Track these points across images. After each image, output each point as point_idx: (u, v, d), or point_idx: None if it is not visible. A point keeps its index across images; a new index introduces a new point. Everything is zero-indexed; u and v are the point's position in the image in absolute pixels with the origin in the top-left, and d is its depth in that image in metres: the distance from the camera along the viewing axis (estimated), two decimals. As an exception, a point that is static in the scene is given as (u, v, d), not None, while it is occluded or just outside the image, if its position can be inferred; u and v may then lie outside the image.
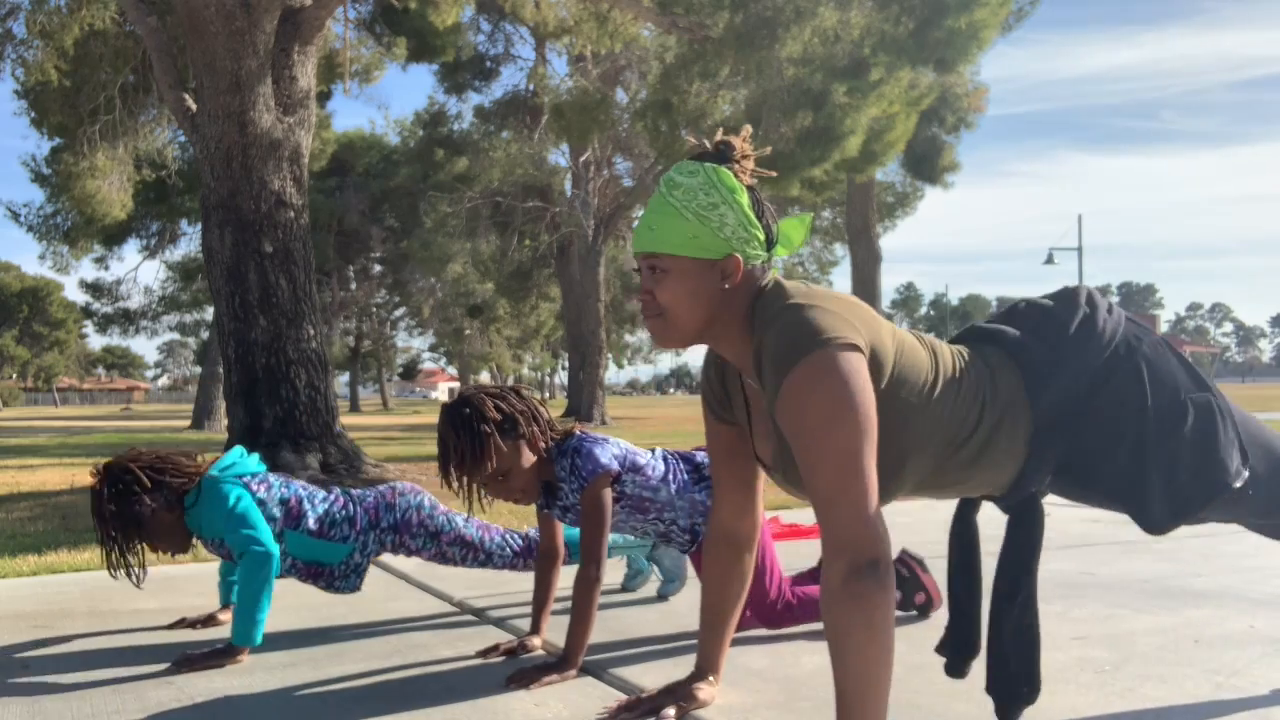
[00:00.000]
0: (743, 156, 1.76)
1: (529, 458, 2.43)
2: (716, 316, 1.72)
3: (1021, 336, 1.80)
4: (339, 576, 2.83)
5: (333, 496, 2.86)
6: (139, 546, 2.67)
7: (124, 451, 2.72)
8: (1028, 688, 1.77)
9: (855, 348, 1.59)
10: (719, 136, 1.79)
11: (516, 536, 3.01)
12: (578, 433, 2.51)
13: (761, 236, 1.73)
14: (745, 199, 1.72)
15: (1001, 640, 1.78)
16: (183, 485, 2.67)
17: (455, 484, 2.38)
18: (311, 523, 2.76)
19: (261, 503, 2.70)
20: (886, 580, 1.50)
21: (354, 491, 2.93)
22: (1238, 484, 1.74)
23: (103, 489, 2.61)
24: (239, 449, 2.85)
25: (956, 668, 1.91)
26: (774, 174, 1.90)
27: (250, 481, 2.73)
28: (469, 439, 2.34)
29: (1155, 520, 1.74)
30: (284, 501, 2.75)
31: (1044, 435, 1.73)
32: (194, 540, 2.76)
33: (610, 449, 2.47)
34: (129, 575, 2.67)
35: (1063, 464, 1.75)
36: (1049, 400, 1.73)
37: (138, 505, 2.61)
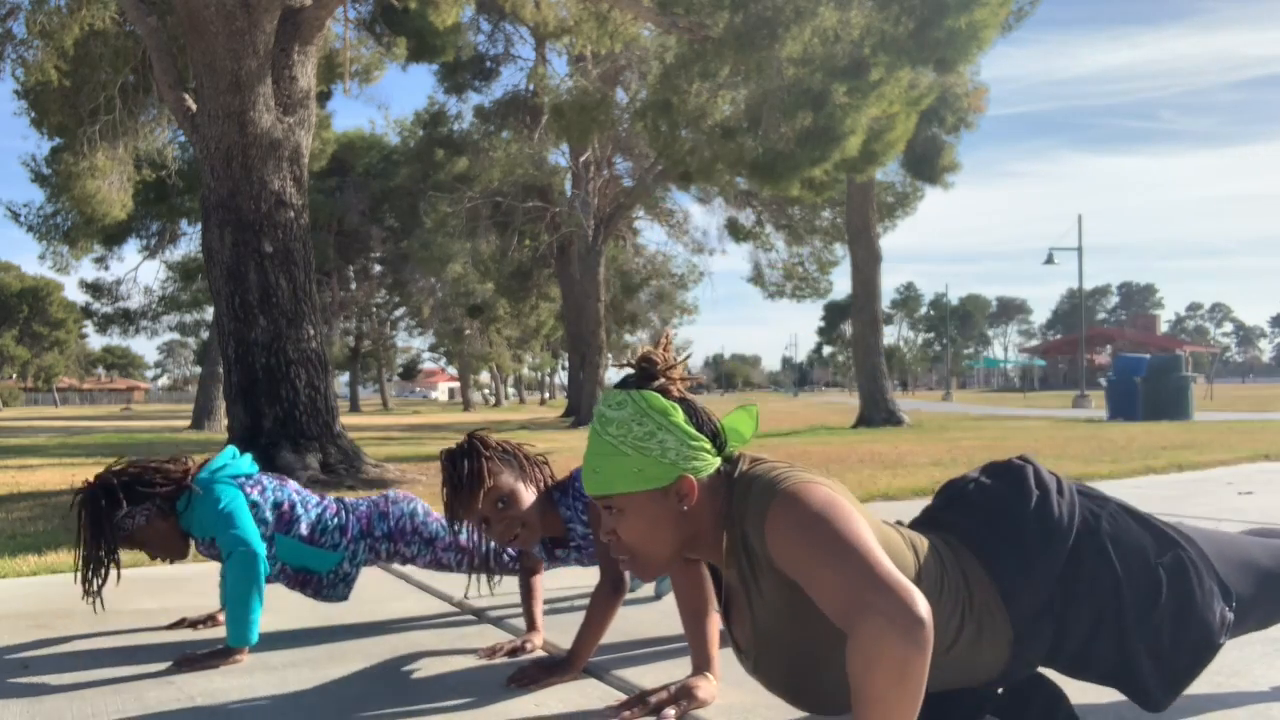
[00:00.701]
0: (667, 369, 1.74)
1: (529, 492, 2.42)
2: (687, 535, 1.70)
3: (982, 534, 1.77)
4: (327, 585, 2.81)
5: (326, 503, 2.84)
6: (117, 563, 2.64)
7: (106, 469, 2.69)
8: None
9: (828, 486, 1.60)
10: (640, 352, 1.76)
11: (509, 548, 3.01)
12: (570, 477, 2.51)
13: (708, 446, 1.70)
14: (680, 416, 1.69)
15: None
16: (171, 493, 2.65)
17: (459, 520, 2.38)
18: (304, 528, 2.75)
19: (255, 505, 2.68)
20: (924, 643, 1.36)
21: (347, 500, 2.92)
22: (1223, 639, 1.75)
23: (92, 508, 2.59)
24: (231, 449, 2.83)
25: None
26: (701, 380, 1.84)
27: (244, 484, 2.71)
28: (470, 464, 2.34)
29: (1154, 701, 1.75)
30: (277, 505, 2.74)
31: (1026, 634, 1.72)
32: (190, 545, 2.76)
33: None
34: (95, 593, 2.61)
35: (1049, 655, 1.75)
36: (1025, 606, 1.71)
37: (127, 521, 2.60)
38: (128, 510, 2.61)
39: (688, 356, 1.81)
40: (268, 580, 2.74)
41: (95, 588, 2.61)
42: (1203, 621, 1.73)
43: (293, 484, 2.86)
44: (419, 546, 2.88)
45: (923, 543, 1.74)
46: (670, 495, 1.67)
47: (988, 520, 1.79)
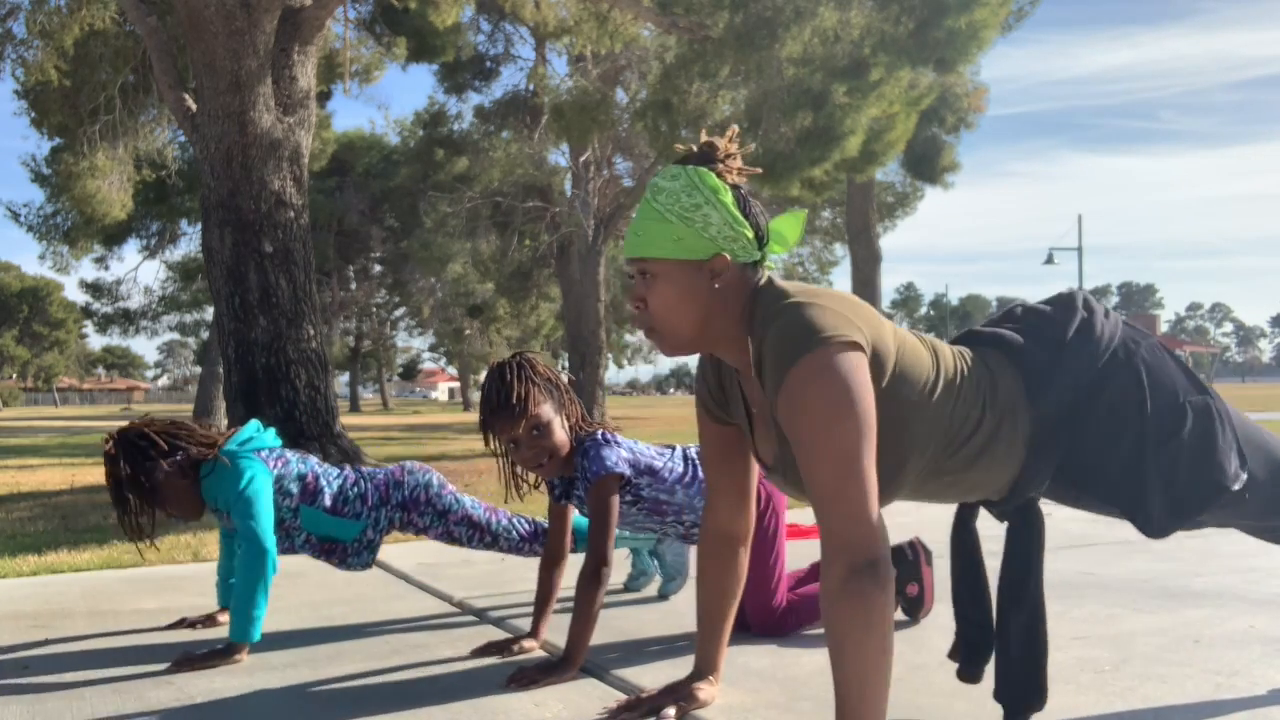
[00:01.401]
0: (726, 156, 1.76)
1: (563, 426, 2.43)
2: (710, 318, 1.71)
3: (1020, 339, 1.80)
4: (352, 553, 2.86)
5: (345, 473, 2.90)
6: (151, 511, 2.68)
7: (139, 417, 2.73)
8: (1036, 695, 1.78)
9: (856, 346, 1.58)
10: (704, 139, 1.79)
11: (523, 520, 3.02)
12: (598, 432, 2.51)
13: (750, 234, 1.72)
14: (729, 198, 1.71)
15: (1009, 648, 1.78)
16: (199, 454, 2.68)
17: (492, 438, 2.40)
18: (327, 500, 2.79)
19: (279, 478, 2.73)
20: (885, 580, 1.50)
21: (364, 469, 2.96)
22: (1236, 486, 1.73)
23: (117, 452, 2.62)
24: (255, 423, 2.86)
25: (970, 673, 1.91)
26: (759, 171, 1.88)
27: (267, 457, 2.74)
28: (517, 385, 2.35)
29: (1154, 523, 1.74)
30: (300, 477, 2.78)
31: (1044, 436, 1.73)
32: (205, 509, 2.78)
33: (620, 452, 2.47)
34: (142, 538, 2.68)
35: (1062, 466, 1.75)
36: (1049, 401, 1.72)
37: (152, 468, 2.62)
38: (154, 460, 2.63)
39: (749, 149, 1.83)
40: (295, 551, 2.80)
41: (146, 532, 2.66)
42: (1219, 464, 1.73)
43: (314, 458, 2.90)
44: (431, 518, 2.92)
45: (945, 347, 1.78)
46: (704, 271, 1.69)
47: (1031, 333, 1.81)
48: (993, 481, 1.76)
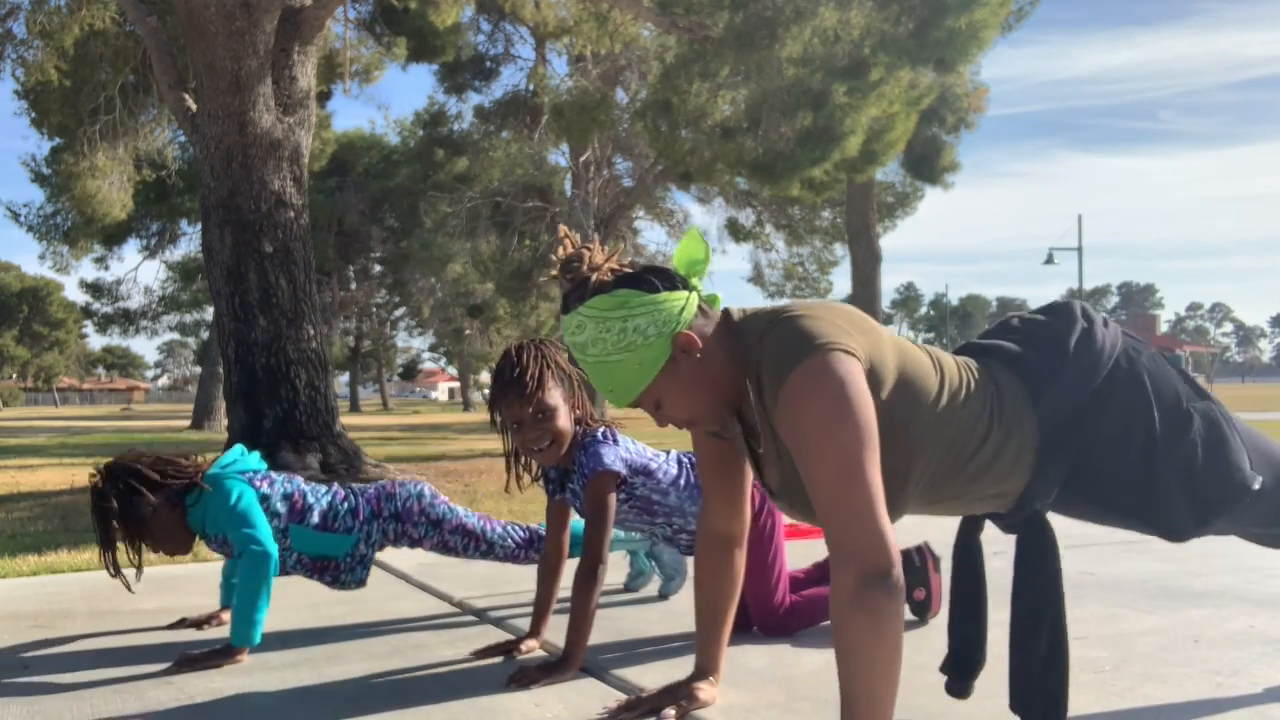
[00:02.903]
0: (592, 264, 1.70)
1: (569, 416, 2.44)
2: (717, 381, 1.70)
3: (1021, 350, 1.79)
4: (345, 569, 2.84)
5: (334, 490, 2.88)
6: (139, 547, 2.67)
7: (124, 452, 2.72)
8: (1059, 710, 1.76)
9: (850, 353, 1.58)
10: (556, 262, 1.73)
11: (518, 528, 3.02)
12: (599, 430, 2.51)
13: (675, 295, 1.68)
14: (631, 298, 1.66)
15: (1029, 663, 1.76)
16: (183, 485, 2.67)
17: (499, 417, 2.40)
18: (316, 517, 2.78)
19: (265, 498, 2.71)
20: (896, 591, 1.47)
21: (354, 485, 2.95)
22: (1255, 485, 1.72)
23: (104, 489, 2.60)
24: (239, 447, 2.86)
25: (959, 688, 1.89)
26: (629, 267, 1.74)
27: (253, 478, 2.74)
28: (531, 367, 2.35)
29: (1180, 528, 1.72)
30: (287, 496, 2.76)
31: (1052, 446, 1.71)
32: (195, 540, 2.77)
33: (618, 451, 2.48)
34: (126, 576, 2.67)
35: (1071, 476, 1.73)
36: (1055, 411, 1.71)
37: (140, 505, 2.61)
38: (140, 496, 2.62)
39: (599, 240, 1.79)
40: (286, 572, 2.77)
41: (116, 570, 2.64)
42: (1235, 464, 1.72)
43: (300, 477, 2.89)
44: (426, 528, 2.91)
45: (949, 358, 1.76)
46: (679, 359, 1.67)
47: (1029, 340, 1.81)
48: (1001, 493, 1.75)
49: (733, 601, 2.06)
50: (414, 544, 2.94)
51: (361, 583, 2.88)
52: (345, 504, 2.84)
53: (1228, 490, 1.71)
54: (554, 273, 1.73)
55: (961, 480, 1.71)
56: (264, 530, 2.61)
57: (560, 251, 1.75)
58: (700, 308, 1.72)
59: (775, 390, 1.58)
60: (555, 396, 2.39)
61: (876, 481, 1.51)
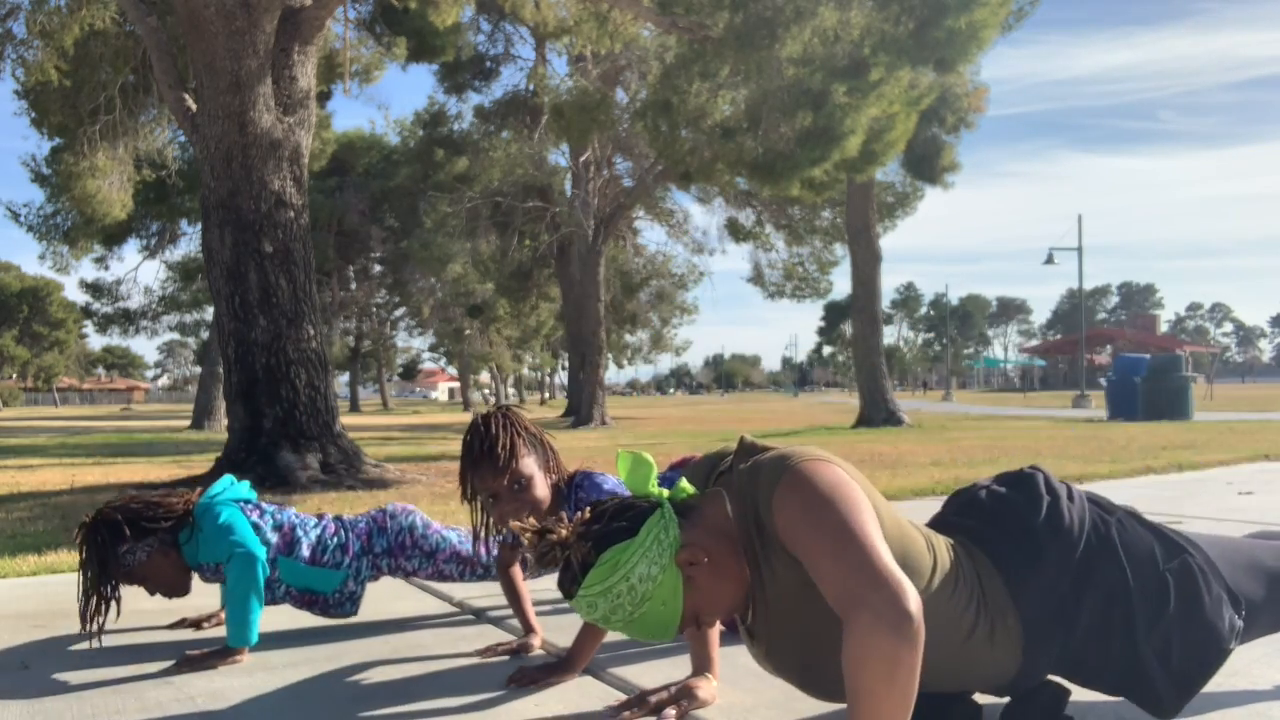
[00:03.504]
0: (563, 541, 1.67)
1: (545, 483, 2.39)
2: (736, 569, 1.68)
3: (994, 541, 1.78)
4: (333, 604, 2.82)
5: (324, 523, 2.84)
6: (118, 600, 2.61)
7: (106, 504, 2.68)
8: None
9: (836, 464, 1.61)
10: (530, 551, 1.70)
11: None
12: (577, 476, 2.49)
13: (650, 522, 1.66)
14: (619, 554, 1.64)
15: None
16: (173, 526, 2.64)
17: (470, 491, 2.34)
18: (305, 550, 2.75)
19: (256, 528, 2.68)
20: (914, 638, 1.40)
21: (345, 517, 2.91)
22: (1233, 645, 1.76)
23: (90, 551, 2.57)
24: (228, 477, 2.82)
25: None
26: (587, 530, 1.71)
27: (244, 508, 2.72)
28: (502, 438, 2.31)
29: (1165, 707, 1.75)
30: (278, 527, 2.74)
31: (1036, 640, 1.72)
32: (192, 578, 2.75)
33: (612, 481, 2.46)
34: (96, 632, 2.58)
35: (1059, 661, 1.76)
36: (1034, 606, 1.72)
37: (130, 559, 2.60)
38: (130, 546, 2.60)
39: (555, 510, 1.80)
40: (275, 602, 2.74)
41: (97, 626, 2.57)
42: (1212, 627, 1.74)
43: (291, 509, 2.86)
44: (419, 560, 2.88)
45: (939, 538, 1.75)
46: (691, 574, 1.66)
47: (999, 525, 1.80)
48: (991, 680, 1.75)
49: None
50: (408, 575, 2.92)
51: (352, 614, 2.85)
52: (335, 539, 2.80)
53: (1207, 660, 1.75)
54: (533, 560, 1.71)
55: (949, 670, 1.69)
56: (250, 536, 2.59)
57: (527, 541, 1.71)
58: (678, 510, 1.71)
59: (770, 504, 1.59)
60: (530, 465, 2.34)
61: (878, 539, 1.50)
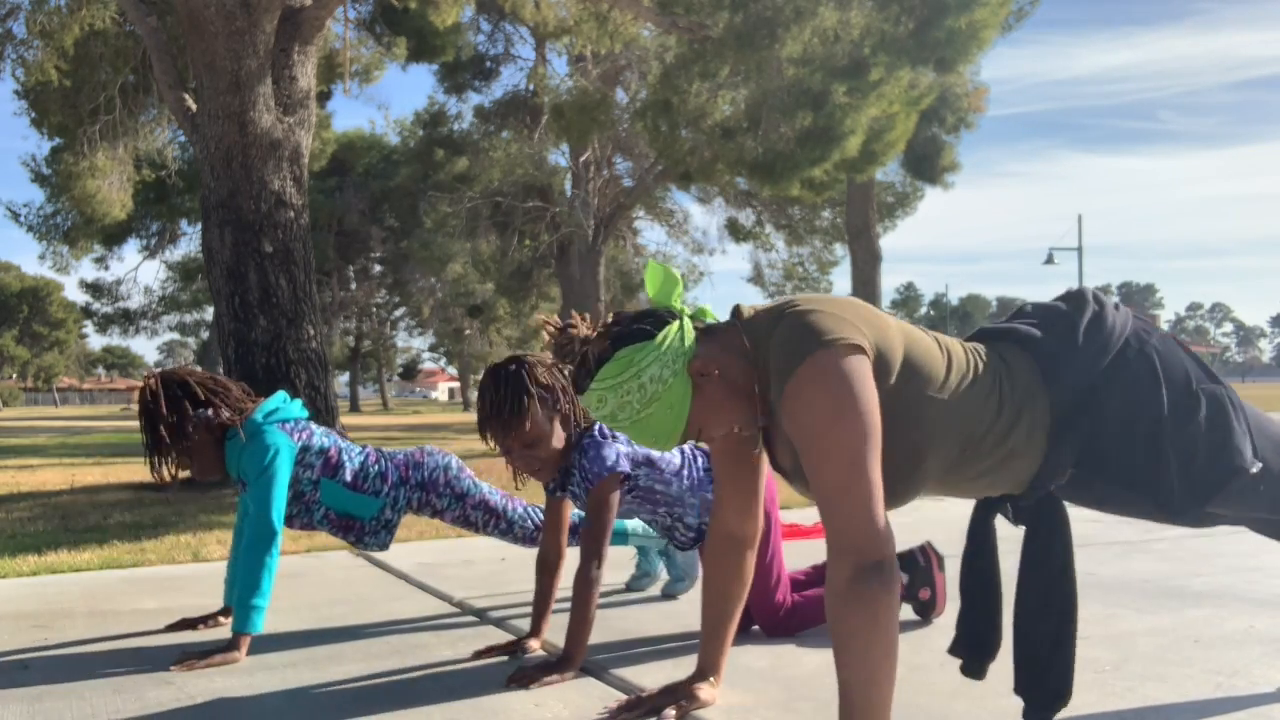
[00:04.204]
0: (582, 340, 1.73)
1: (560, 434, 2.42)
2: (744, 388, 1.71)
3: (1034, 332, 1.81)
4: (369, 531, 2.86)
5: (367, 451, 2.90)
6: (174, 457, 2.67)
7: (179, 366, 2.74)
8: (1064, 693, 1.79)
9: (858, 348, 1.60)
10: (549, 348, 1.76)
11: (539, 511, 3.01)
12: (595, 428, 2.49)
13: (669, 329, 1.70)
14: (633, 354, 1.68)
15: (1036, 648, 1.79)
16: (230, 418, 2.69)
17: (488, 441, 2.38)
18: (348, 475, 2.80)
19: (302, 449, 2.74)
20: (891, 582, 1.51)
21: (385, 450, 2.96)
22: (1254, 470, 1.74)
23: (156, 391, 2.63)
24: (282, 394, 2.87)
25: (975, 669, 1.90)
26: (607, 332, 1.76)
27: (292, 429, 2.75)
28: (510, 398, 2.32)
29: (1175, 504, 1.74)
30: (323, 450, 2.79)
31: (1063, 425, 1.73)
32: (224, 471, 2.78)
33: (619, 446, 2.47)
34: (166, 475, 2.67)
35: (1082, 455, 1.75)
36: (1066, 390, 1.74)
37: (184, 416, 2.64)
38: (195, 412, 2.65)
39: (569, 313, 1.82)
40: (314, 526, 2.81)
41: (169, 475, 2.66)
42: (1235, 447, 1.74)
43: (336, 433, 2.91)
44: (449, 500, 2.92)
45: (955, 342, 1.79)
46: (701, 385, 1.69)
47: (1044, 326, 1.82)
48: (1015, 473, 1.76)
49: (739, 603, 2.05)
50: (436, 514, 2.95)
51: (384, 546, 2.90)
52: (376, 466, 2.86)
53: (1224, 471, 1.74)
54: (551, 361, 1.74)
55: (975, 461, 1.72)
56: (279, 507, 2.62)
57: (547, 339, 1.78)
58: (697, 326, 1.75)
59: (781, 385, 1.60)
60: (539, 423, 2.35)
61: (877, 476, 1.54)
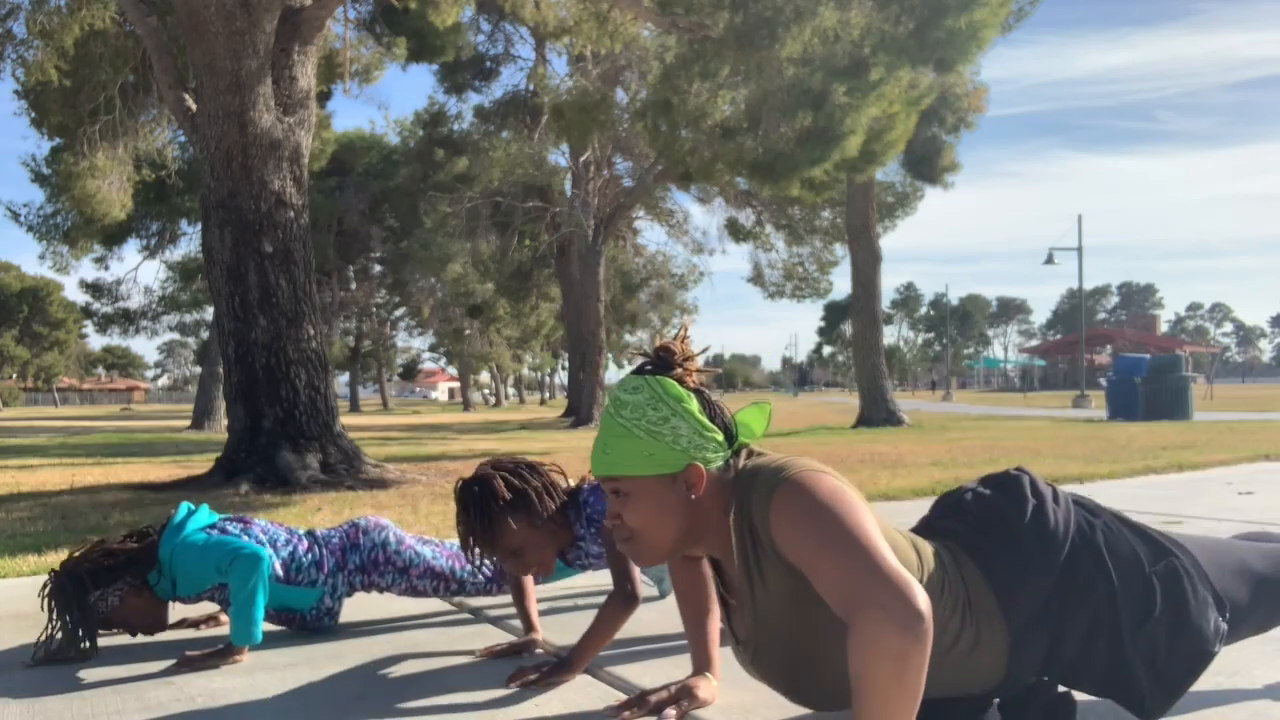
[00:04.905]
0: (685, 359, 1.74)
1: (543, 533, 2.39)
2: (691, 525, 1.70)
3: (979, 541, 1.78)
4: (311, 621, 2.81)
5: (295, 540, 2.80)
6: (93, 644, 2.60)
7: (69, 557, 2.67)
8: None
9: (831, 475, 1.61)
10: (658, 343, 1.76)
11: (487, 564, 2.98)
12: (580, 489, 2.49)
13: (719, 438, 1.70)
14: (694, 405, 1.69)
15: None
16: (140, 569, 2.63)
17: (474, 559, 2.39)
18: (278, 568, 2.71)
19: None
20: (924, 635, 1.37)
21: (318, 532, 2.88)
22: (1218, 648, 1.75)
23: (57, 599, 2.57)
24: (185, 505, 2.78)
25: None
26: (718, 370, 1.83)
27: (209, 531, 2.69)
28: (480, 518, 2.31)
29: (1150, 710, 1.75)
30: None
31: (1022, 643, 1.72)
32: (169, 609, 2.75)
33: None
34: (80, 649, 2.59)
35: (1047, 666, 1.75)
36: (1021, 610, 1.72)
37: (103, 605, 2.60)
38: (99, 594, 2.60)
39: (705, 350, 1.81)
40: None
41: (79, 652, 2.58)
42: (1197, 630, 1.74)
43: (258, 524, 2.81)
44: (393, 576, 2.84)
45: (925, 545, 1.75)
46: (679, 483, 1.68)
47: (985, 528, 1.80)
48: (979, 682, 1.75)
49: (711, 601, 2.06)
50: (382, 591, 2.88)
51: (330, 628, 2.84)
52: (309, 555, 2.77)
53: (1191, 663, 1.74)
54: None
55: (935, 675, 1.62)
56: (241, 541, 2.58)
57: (677, 339, 1.78)
58: (725, 464, 1.72)
59: (766, 514, 1.59)
60: (515, 532, 2.34)
61: (881, 541, 1.48)
